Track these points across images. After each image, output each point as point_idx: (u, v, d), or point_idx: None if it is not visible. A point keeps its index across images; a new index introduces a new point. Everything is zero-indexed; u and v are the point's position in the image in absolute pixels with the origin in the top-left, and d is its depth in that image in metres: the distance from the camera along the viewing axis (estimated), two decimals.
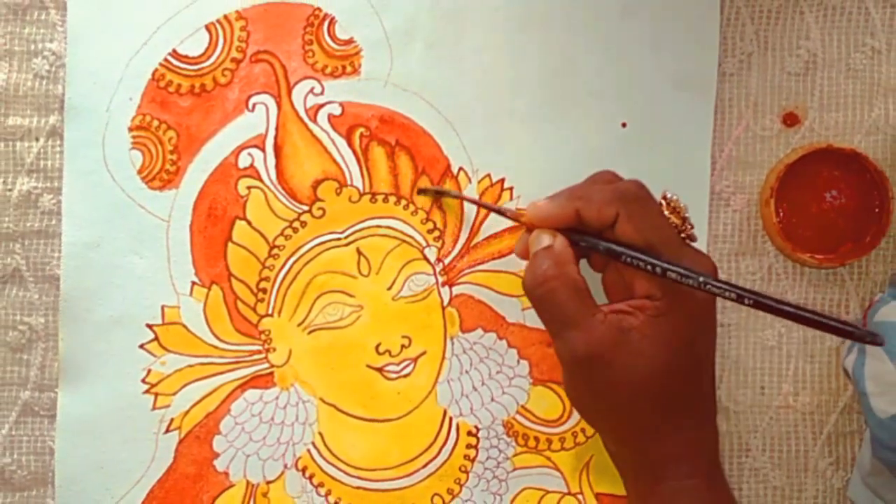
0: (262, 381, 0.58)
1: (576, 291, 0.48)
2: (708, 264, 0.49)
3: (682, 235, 0.50)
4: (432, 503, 0.58)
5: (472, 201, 0.58)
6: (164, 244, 0.58)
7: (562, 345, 0.48)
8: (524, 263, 0.56)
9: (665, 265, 0.47)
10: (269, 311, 0.58)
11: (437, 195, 0.58)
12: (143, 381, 0.58)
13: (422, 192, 0.58)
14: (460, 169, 0.59)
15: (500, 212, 0.56)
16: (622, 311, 0.48)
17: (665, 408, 0.48)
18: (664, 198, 0.51)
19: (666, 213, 0.50)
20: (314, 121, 0.59)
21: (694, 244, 0.50)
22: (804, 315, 0.46)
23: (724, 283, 0.46)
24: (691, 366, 0.49)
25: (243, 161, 0.59)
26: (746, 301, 0.46)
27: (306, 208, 0.59)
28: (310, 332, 0.58)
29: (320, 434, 0.58)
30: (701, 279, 0.46)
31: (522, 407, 0.58)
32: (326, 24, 0.59)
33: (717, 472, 0.50)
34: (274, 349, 0.58)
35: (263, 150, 0.59)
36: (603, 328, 0.47)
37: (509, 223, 0.58)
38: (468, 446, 0.58)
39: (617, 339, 0.47)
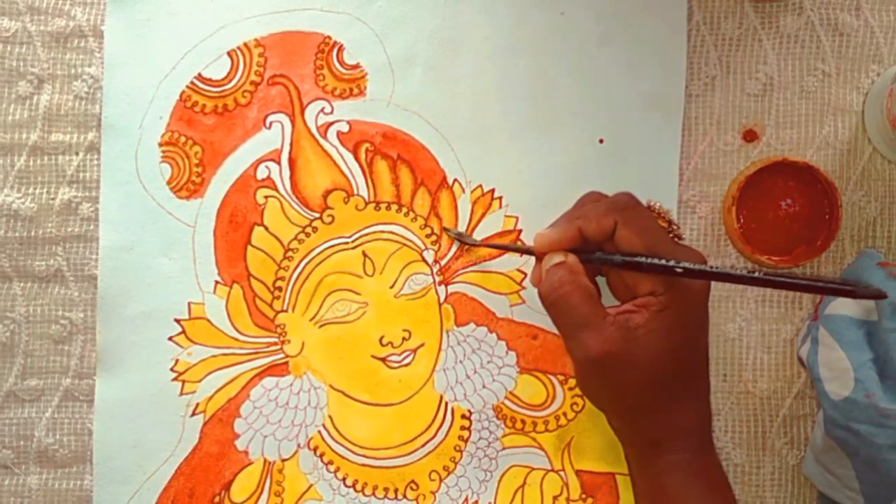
0: (277, 369, 0.60)
1: (588, 296, 0.50)
2: (701, 257, 0.52)
3: (672, 236, 0.54)
4: (430, 479, 0.60)
5: (487, 245, 0.60)
6: (190, 247, 0.61)
7: (576, 346, 0.50)
8: (513, 265, 0.60)
9: (685, 265, 0.49)
10: (284, 308, 0.60)
11: (458, 238, 0.60)
12: (172, 369, 0.60)
13: (446, 230, 0.60)
14: (455, 180, 0.61)
15: (513, 249, 0.59)
16: (628, 311, 0.50)
17: (668, 392, 0.51)
18: (649, 206, 0.55)
19: None
20: (324, 137, 0.61)
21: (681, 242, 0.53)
22: (811, 284, 0.49)
23: (735, 268, 0.49)
24: (691, 351, 0.52)
25: (261, 173, 0.61)
26: (757, 273, 0.48)
27: (317, 215, 0.61)
28: (320, 326, 0.60)
29: (330, 417, 0.60)
30: (713, 268, 0.49)
31: (510, 393, 0.60)
32: (335, 50, 0.61)
33: (707, 446, 0.53)
34: (288, 341, 0.60)
35: (279, 163, 0.61)
36: (613, 328, 0.49)
37: (499, 228, 0.61)
38: (462, 428, 0.60)
39: (626, 336, 0.49)
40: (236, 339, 0.61)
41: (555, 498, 0.60)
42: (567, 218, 0.54)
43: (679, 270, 0.49)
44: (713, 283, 0.56)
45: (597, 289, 0.53)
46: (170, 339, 0.61)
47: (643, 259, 0.50)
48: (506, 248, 0.59)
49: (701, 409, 0.53)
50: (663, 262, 0.50)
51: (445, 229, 0.60)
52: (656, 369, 0.50)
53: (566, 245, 0.53)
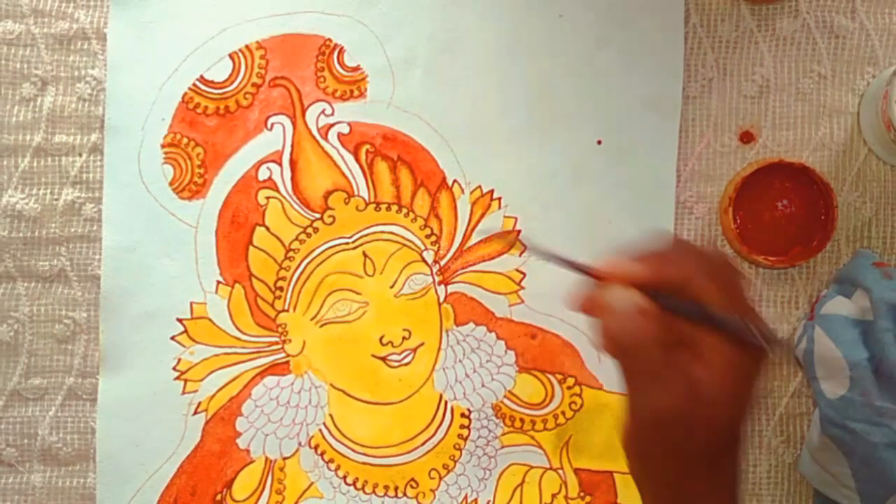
0: (279, 368, 0.61)
1: (664, 349, 0.44)
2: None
3: None
4: (430, 477, 0.60)
5: (558, 262, 0.50)
6: (192, 248, 0.61)
7: (644, 401, 0.45)
8: (512, 265, 0.61)
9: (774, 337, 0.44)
10: (286, 307, 0.61)
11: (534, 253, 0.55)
12: (174, 368, 0.61)
13: (530, 248, 0.58)
14: (455, 181, 0.61)
15: (581, 269, 0.48)
16: (687, 357, 0.45)
17: (714, 452, 0.46)
18: None
19: None
20: (325, 139, 0.62)
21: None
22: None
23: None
24: (743, 412, 0.46)
25: (263, 174, 0.61)
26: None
27: (318, 216, 0.61)
28: (321, 326, 0.61)
29: (331, 416, 0.61)
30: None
31: (509, 392, 0.61)
32: (336, 53, 0.62)
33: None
34: (290, 340, 0.61)
35: (280, 164, 0.61)
36: (679, 384, 0.44)
37: (497, 229, 0.61)
38: (461, 427, 0.61)
39: (691, 393, 0.44)
40: (238, 339, 0.61)
41: (553, 496, 0.61)
42: (658, 260, 0.47)
43: (762, 344, 0.44)
44: None
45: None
46: (172, 338, 0.61)
47: (734, 321, 0.44)
48: (575, 268, 0.48)
49: (735, 467, 0.47)
50: (752, 329, 0.44)
51: (498, 235, 0.59)
52: (714, 436, 0.45)
53: (641, 283, 0.46)
